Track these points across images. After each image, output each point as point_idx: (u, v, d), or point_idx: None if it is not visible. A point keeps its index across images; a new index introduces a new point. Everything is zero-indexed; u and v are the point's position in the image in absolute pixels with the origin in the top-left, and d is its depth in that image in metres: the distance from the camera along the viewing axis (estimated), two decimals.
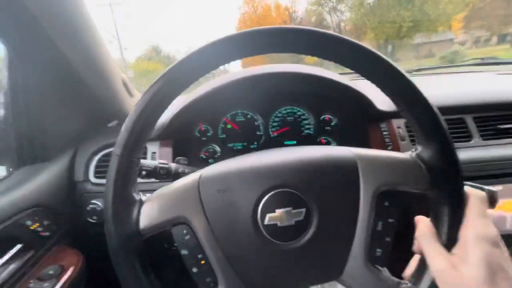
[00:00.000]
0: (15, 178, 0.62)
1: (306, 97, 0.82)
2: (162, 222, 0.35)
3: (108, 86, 0.81)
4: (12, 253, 0.55)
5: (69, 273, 0.58)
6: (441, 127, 0.32)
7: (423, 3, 13.48)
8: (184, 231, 0.39)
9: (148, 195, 0.38)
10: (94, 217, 0.67)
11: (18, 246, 0.56)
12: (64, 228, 0.67)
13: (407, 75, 0.32)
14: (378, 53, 0.32)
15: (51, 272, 0.57)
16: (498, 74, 1.06)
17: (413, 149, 0.37)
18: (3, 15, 0.54)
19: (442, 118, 0.32)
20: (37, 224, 0.60)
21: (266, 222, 0.35)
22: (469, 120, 0.69)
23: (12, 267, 0.54)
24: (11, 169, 0.67)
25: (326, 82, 0.70)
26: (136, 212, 0.35)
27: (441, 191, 0.33)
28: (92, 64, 0.74)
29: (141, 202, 0.36)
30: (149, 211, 0.36)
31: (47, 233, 0.62)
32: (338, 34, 0.31)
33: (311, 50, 0.32)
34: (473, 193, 0.31)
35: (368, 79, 0.34)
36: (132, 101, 0.93)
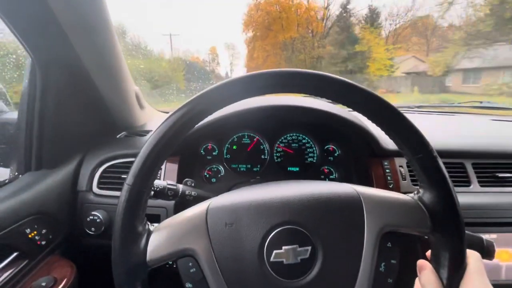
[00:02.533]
0: (20, 184, 0.62)
1: (312, 127, 0.85)
2: (168, 254, 0.35)
3: (121, 97, 0.83)
4: (7, 261, 0.54)
5: (61, 286, 0.57)
6: (442, 174, 0.34)
7: None
8: (190, 264, 0.39)
9: (156, 224, 0.38)
10: (93, 229, 0.66)
11: (14, 254, 0.56)
12: (60, 238, 0.66)
13: (412, 122, 0.34)
14: (384, 98, 0.34)
15: (43, 284, 0.56)
16: (493, 120, 1.10)
17: (415, 192, 0.39)
18: (30, 22, 0.56)
19: (443, 165, 0.34)
20: (35, 232, 0.59)
21: (272, 258, 0.35)
22: (469, 165, 0.71)
23: (5, 275, 0.53)
24: (16, 173, 0.67)
25: (333, 117, 0.73)
26: (144, 242, 0.35)
27: (442, 236, 0.35)
28: (109, 75, 0.76)
29: (149, 232, 0.36)
30: (157, 242, 0.35)
31: (43, 242, 0.61)
32: (349, 81, 0.34)
33: (320, 93, 0.35)
34: (471, 254, 0.34)
35: (373, 121, 0.36)
36: (143, 113, 0.95)
